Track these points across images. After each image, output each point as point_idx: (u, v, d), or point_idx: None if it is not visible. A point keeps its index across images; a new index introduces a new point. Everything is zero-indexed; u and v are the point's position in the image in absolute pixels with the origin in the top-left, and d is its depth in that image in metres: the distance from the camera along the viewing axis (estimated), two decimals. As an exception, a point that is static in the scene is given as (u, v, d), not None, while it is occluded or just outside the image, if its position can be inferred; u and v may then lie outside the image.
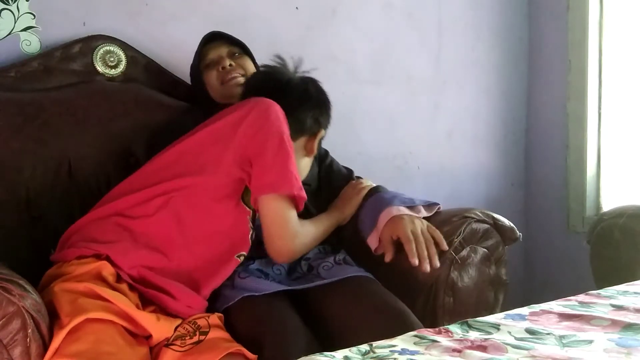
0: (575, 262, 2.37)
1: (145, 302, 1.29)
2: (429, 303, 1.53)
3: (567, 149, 2.52)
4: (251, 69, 1.72)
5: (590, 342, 1.01)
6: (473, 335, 1.05)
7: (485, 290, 1.58)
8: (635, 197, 2.26)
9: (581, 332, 1.06)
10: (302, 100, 1.49)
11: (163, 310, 1.30)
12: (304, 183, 1.66)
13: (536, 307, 1.19)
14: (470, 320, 1.12)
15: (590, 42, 2.44)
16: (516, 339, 1.03)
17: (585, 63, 2.44)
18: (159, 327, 1.25)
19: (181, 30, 1.95)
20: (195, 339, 1.25)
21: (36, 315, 1.10)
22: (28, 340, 1.07)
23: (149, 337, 1.24)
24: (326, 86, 1.56)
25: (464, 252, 1.54)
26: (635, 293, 1.27)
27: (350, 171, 1.80)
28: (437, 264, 1.46)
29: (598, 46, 2.46)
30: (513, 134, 2.66)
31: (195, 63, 1.72)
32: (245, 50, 1.74)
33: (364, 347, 1.00)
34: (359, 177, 1.78)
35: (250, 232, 1.44)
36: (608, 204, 2.44)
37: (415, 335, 1.05)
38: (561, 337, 1.03)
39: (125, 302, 1.22)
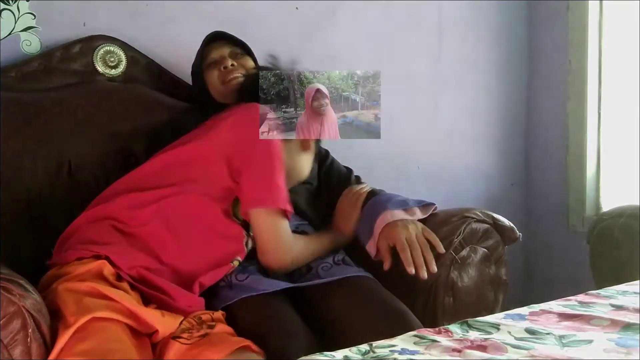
0: (575, 262, 2.36)
1: (146, 302, 1.29)
2: (429, 303, 1.53)
3: (567, 149, 2.52)
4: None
5: (590, 342, 1.01)
6: (473, 335, 1.05)
7: (485, 290, 1.58)
8: (634, 197, 2.26)
9: (581, 332, 1.06)
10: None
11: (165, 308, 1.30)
12: (306, 182, 1.66)
13: (536, 307, 1.19)
14: (470, 320, 1.12)
15: (590, 42, 2.43)
16: (516, 338, 1.03)
17: (585, 63, 2.44)
18: (164, 322, 1.25)
19: (181, 30, 1.95)
20: (202, 332, 1.26)
21: (37, 315, 1.10)
22: (29, 340, 1.07)
23: (153, 333, 1.24)
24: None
25: (464, 252, 1.54)
26: (635, 293, 1.27)
27: (350, 171, 1.80)
28: (435, 269, 1.44)
29: (598, 46, 2.45)
30: (513, 134, 2.66)
31: (197, 62, 1.72)
32: (247, 51, 1.74)
33: (364, 347, 1.00)
34: (357, 177, 1.78)
35: (245, 239, 1.46)
36: (608, 204, 2.44)
37: (415, 335, 1.05)
38: (561, 337, 1.03)
39: (129, 300, 1.23)
